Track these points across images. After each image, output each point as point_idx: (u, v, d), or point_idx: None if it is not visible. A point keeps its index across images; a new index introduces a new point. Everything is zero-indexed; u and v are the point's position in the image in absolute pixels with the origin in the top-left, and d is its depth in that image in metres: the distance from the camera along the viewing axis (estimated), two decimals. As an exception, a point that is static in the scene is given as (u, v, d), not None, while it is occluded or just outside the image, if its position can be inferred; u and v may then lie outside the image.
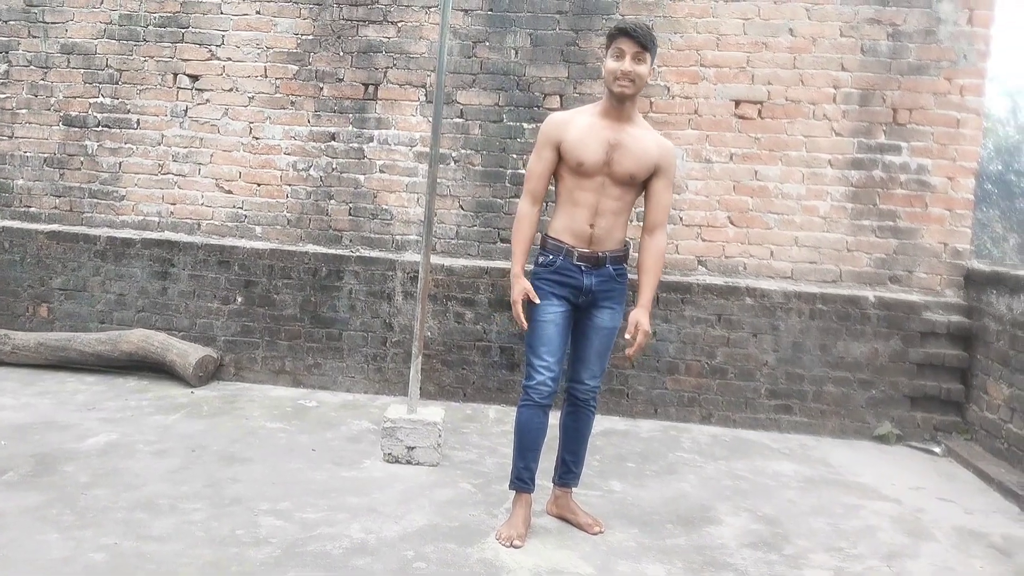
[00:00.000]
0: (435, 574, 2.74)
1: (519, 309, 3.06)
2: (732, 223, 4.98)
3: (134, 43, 5.36)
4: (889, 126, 4.86)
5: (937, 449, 4.55)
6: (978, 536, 3.39)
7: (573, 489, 3.32)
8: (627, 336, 3.04)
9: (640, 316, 3.05)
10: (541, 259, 3.11)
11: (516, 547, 2.98)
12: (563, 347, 3.09)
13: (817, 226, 4.93)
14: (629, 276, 3.22)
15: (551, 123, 3.08)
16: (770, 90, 4.92)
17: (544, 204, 3.36)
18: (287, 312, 5.10)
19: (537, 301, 3.05)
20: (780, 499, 3.68)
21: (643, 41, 2.91)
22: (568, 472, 3.27)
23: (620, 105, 2.99)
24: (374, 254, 5.11)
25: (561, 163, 3.06)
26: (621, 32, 2.94)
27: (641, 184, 3.08)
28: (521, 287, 3.06)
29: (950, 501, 3.79)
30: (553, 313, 3.05)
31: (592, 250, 3.05)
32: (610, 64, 2.94)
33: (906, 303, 4.73)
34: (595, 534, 3.13)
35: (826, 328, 4.76)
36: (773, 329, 4.79)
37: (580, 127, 3.02)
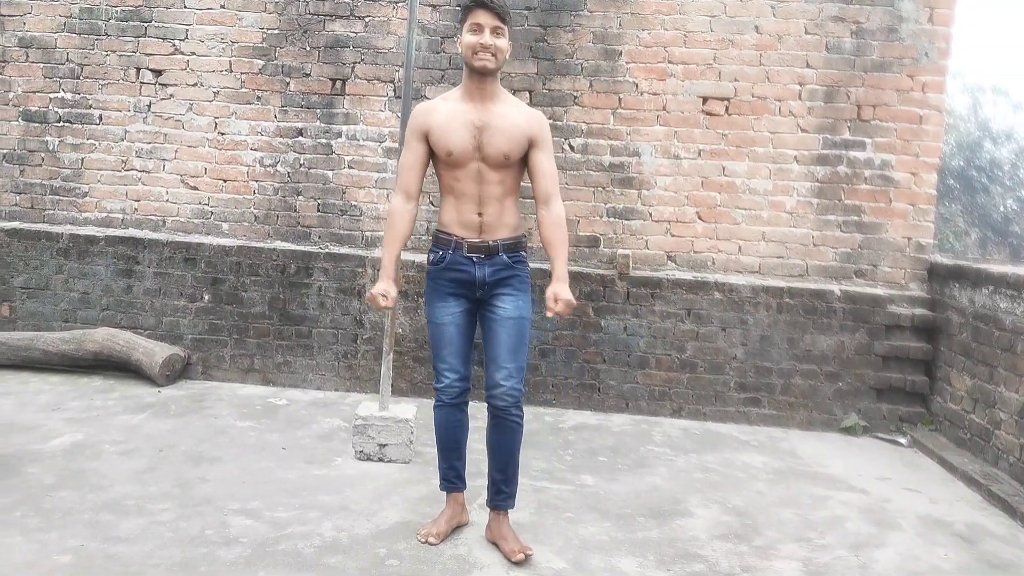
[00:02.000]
0: (408, 571, 2.73)
1: (373, 299, 2.88)
2: (700, 219, 5.03)
3: (95, 37, 5.26)
4: (853, 122, 4.93)
5: (903, 440, 4.63)
6: (943, 525, 3.46)
7: (510, 512, 3.01)
8: (548, 313, 2.83)
9: (557, 288, 2.83)
10: (431, 256, 2.93)
11: (431, 544, 2.91)
12: (468, 346, 2.97)
13: (784, 221, 4.99)
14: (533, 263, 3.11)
15: (416, 113, 2.93)
16: (737, 87, 4.97)
17: (427, 198, 3.09)
18: (255, 310, 5.04)
19: (384, 306, 2.90)
20: (750, 491, 3.72)
21: (501, 14, 2.78)
22: (498, 493, 2.96)
23: (482, 82, 2.82)
24: (344, 251, 5.07)
25: (435, 156, 2.91)
26: (478, 4, 2.77)
27: (521, 162, 2.90)
28: (383, 287, 2.88)
29: (915, 491, 3.86)
30: (451, 314, 2.91)
31: (483, 239, 2.88)
32: (468, 38, 2.78)
33: (871, 296, 4.80)
34: (516, 562, 2.80)
35: (793, 322, 4.82)
36: (741, 323, 4.85)
37: (444, 114, 2.86)
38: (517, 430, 2.92)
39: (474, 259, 2.87)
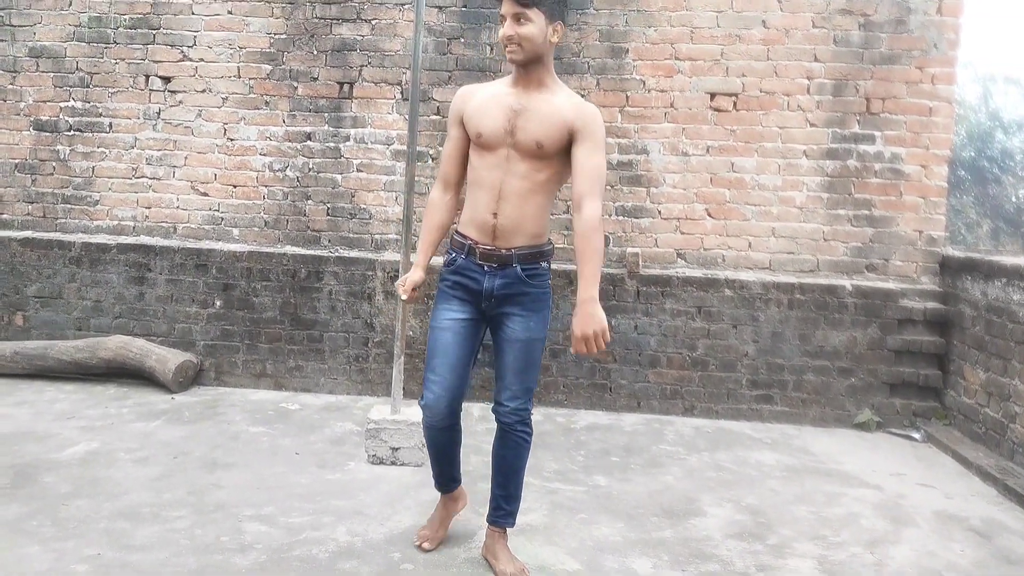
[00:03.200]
0: (423, 575, 2.73)
1: (398, 287, 2.84)
2: (710, 215, 5.01)
3: (104, 45, 5.29)
4: (863, 116, 4.91)
5: (916, 435, 4.60)
6: (958, 520, 3.44)
7: (508, 530, 2.88)
8: (572, 351, 2.61)
9: (574, 319, 2.53)
10: (445, 257, 2.77)
11: (424, 549, 2.87)
12: (464, 359, 2.70)
13: (794, 216, 4.97)
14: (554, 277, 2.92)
15: (456, 97, 2.77)
16: (744, 82, 4.95)
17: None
18: (267, 315, 5.06)
19: (404, 298, 2.80)
20: (763, 489, 3.71)
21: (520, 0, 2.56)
22: (497, 509, 2.83)
23: (525, 71, 2.62)
24: (353, 254, 5.09)
25: (469, 142, 2.71)
26: None
27: (559, 158, 2.62)
28: (416, 277, 2.80)
29: (930, 486, 3.84)
30: (451, 320, 2.69)
31: (496, 246, 2.63)
32: (500, 33, 2.63)
33: (883, 291, 4.78)
34: None
35: (805, 318, 4.80)
36: (753, 320, 4.83)
37: (484, 97, 2.68)
38: (523, 445, 2.78)
39: (485, 268, 2.65)
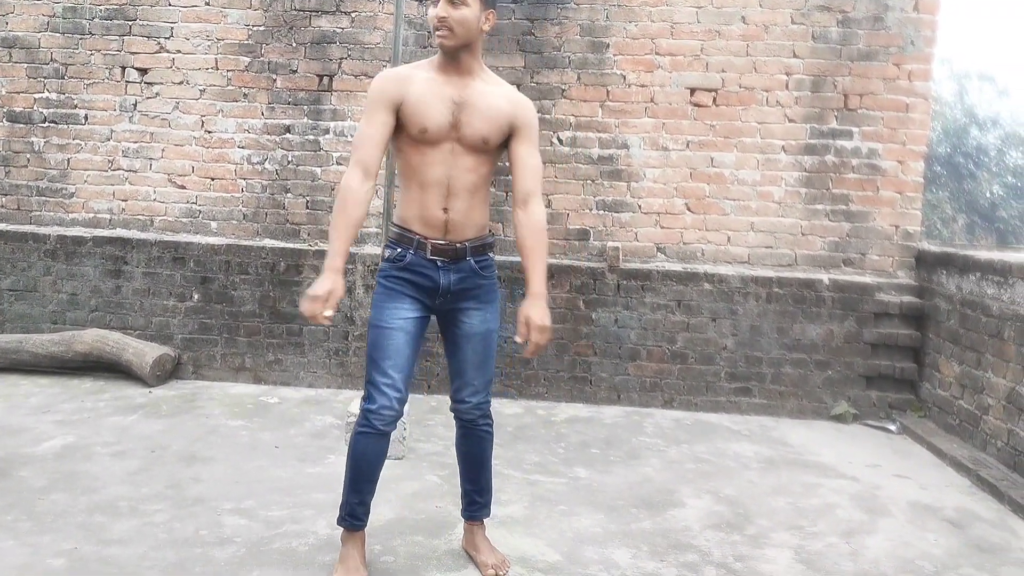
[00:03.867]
0: (403, 567, 2.73)
1: (314, 307, 2.41)
2: (689, 210, 5.04)
3: (79, 36, 5.22)
4: (840, 111, 4.95)
5: (892, 427, 4.66)
6: (933, 510, 3.49)
7: (485, 521, 2.85)
8: (518, 339, 2.52)
9: (530, 310, 2.50)
10: (388, 253, 2.58)
11: None
12: (413, 360, 2.58)
13: (772, 211, 5.01)
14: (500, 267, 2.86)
15: (387, 79, 2.52)
16: (724, 78, 4.97)
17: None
18: (245, 308, 5.03)
19: (326, 316, 2.43)
20: (741, 480, 3.74)
21: None
22: (472, 504, 2.81)
23: (454, 58, 2.49)
24: (333, 247, 5.05)
25: (401, 132, 2.51)
26: None
27: (495, 152, 2.58)
28: (330, 285, 2.42)
29: (905, 477, 3.89)
30: (403, 319, 2.52)
31: (449, 240, 2.54)
32: (429, 13, 2.47)
33: (860, 285, 4.83)
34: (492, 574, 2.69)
35: (783, 311, 4.84)
36: (731, 313, 4.86)
37: (421, 87, 2.48)
38: (487, 438, 2.75)
39: (438, 263, 2.54)
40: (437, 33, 2.45)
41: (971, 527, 3.33)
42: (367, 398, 2.54)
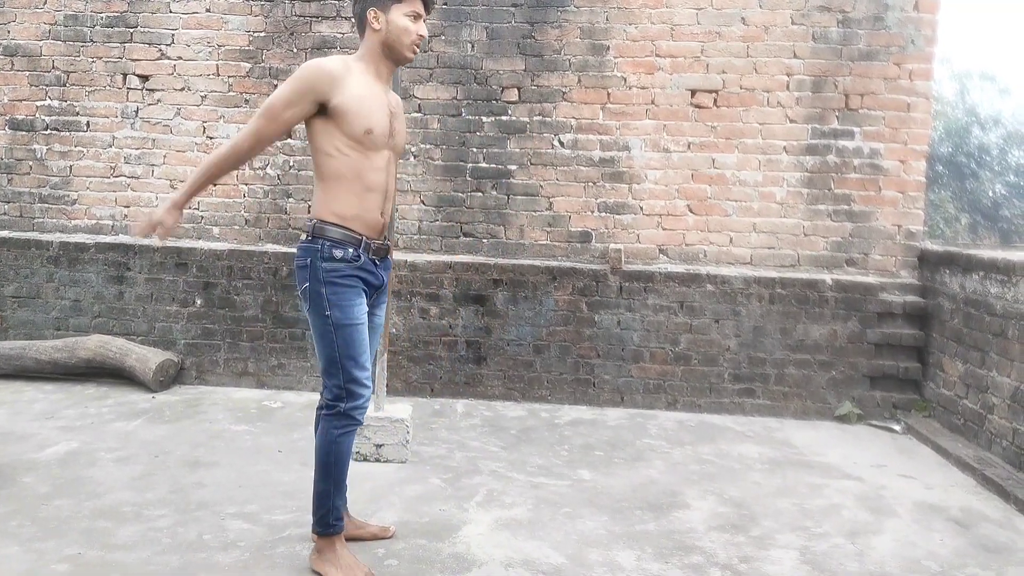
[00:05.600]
0: (407, 571, 2.73)
1: (145, 231, 2.60)
2: (691, 211, 5.03)
3: (81, 44, 5.24)
4: (841, 112, 4.95)
5: (897, 427, 4.65)
6: (938, 510, 3.48)
7: None
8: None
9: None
10: (338, 252, 2.54)
11: None
12: None
13: (774, 212, 5.00)
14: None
15: (324, 70, 2.48)
16: (725, 79, 4.97)
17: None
18: (248, 313, 5.03)
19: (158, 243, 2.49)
20: (746, 481, 3.73)
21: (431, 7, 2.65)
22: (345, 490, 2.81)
23: (391, 72, 2.66)
24: (335, 252, 5.06)
25: (335, 131, 2.50)
26: None
27: None
28: (171, 219, 2.60)
29: (910, 477, 3.88)
30: (364, 315, 2.61)
31: (383, 241, 2.67)
32: (407, 24, 2.56)
33: (863, 285, 4.82)
34: (390, 537, 2.88)
35: (786, 312, 4.84)
36: (734, 314, 4.86)
37: (360, 84, 2.52)
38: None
39: (376, 262, 2.65)
40: (415, 47, 2.60)
41: (977, 527, 3.31)
42: (348, 396, 2.58)
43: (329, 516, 2.64)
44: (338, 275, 2.55)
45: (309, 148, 2.63)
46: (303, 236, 2.63)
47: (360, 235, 2.58)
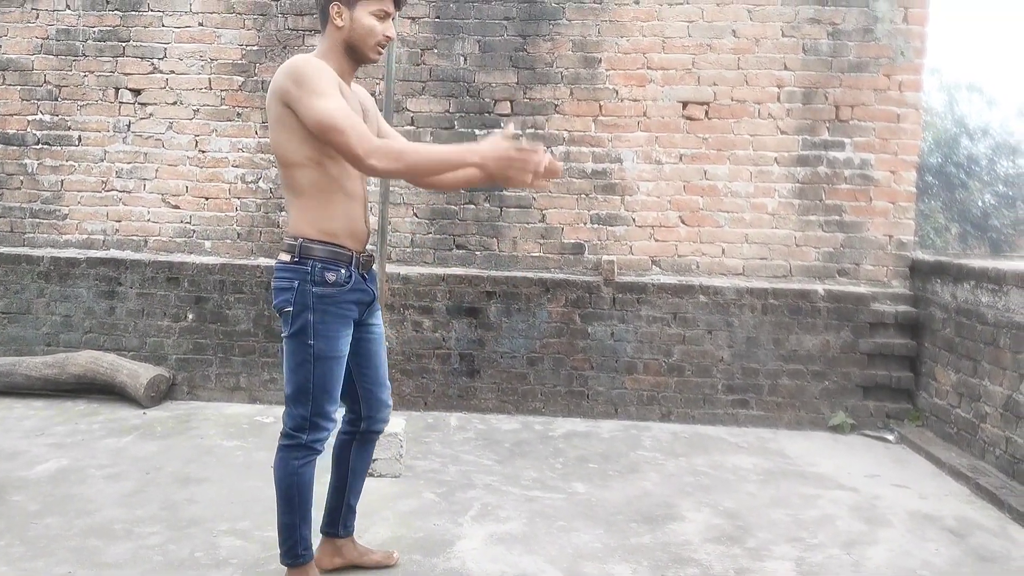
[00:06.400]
0: (401, 586, 2.71)
1: (537, 158, 2.16)
2: (684, 223, 5.04)
3: (73, 58, 5.23)
4: (832, 123, 4.97)
5: (890, 436, 4.65)
6: (933, 520, 3.48)
7: None
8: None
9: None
10: (331, 276, 2.37)
11: None
12: None
13: (766, 223, 5.02)
14: None
15: (326, 69, 2.30)
16: (716, 91, 5.00)
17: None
18: (240, 327, 5.01)
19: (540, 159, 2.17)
20: (740, 493, 3.72)
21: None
22: (352, 514, 2.78)
23: (354, 73, 2.49)
24: (328, 265, 5.05)
25: (308, 137, 2.30)
26: None
27: None
28: (505, 144, 2.18)
29: (904, 487, 3.88)
30: (347, 347, 2.47)
31: (369, 251, 2.55)
32: (373, 24, 2.38)
33: (855, 295, 4.83)
34: (394, 564, 2.79)
35: (778, 322, 4.84)
36: (727, 325, 4.86)
37: (343, 90, 2.36)
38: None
39: (365, 276, 2.50)
40: (381, 48, 2.42)
41: (971, 536, 3.31)
42: (312, 428, 2.42)
43: (297, 547, 2.50)
44: (331, 302, 2.39)
45: (276, 163, 2.47)
46: (283, 256, 2.42)
47: (350, 251, 2.43)
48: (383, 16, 2.39)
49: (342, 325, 2.43)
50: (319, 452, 2.49)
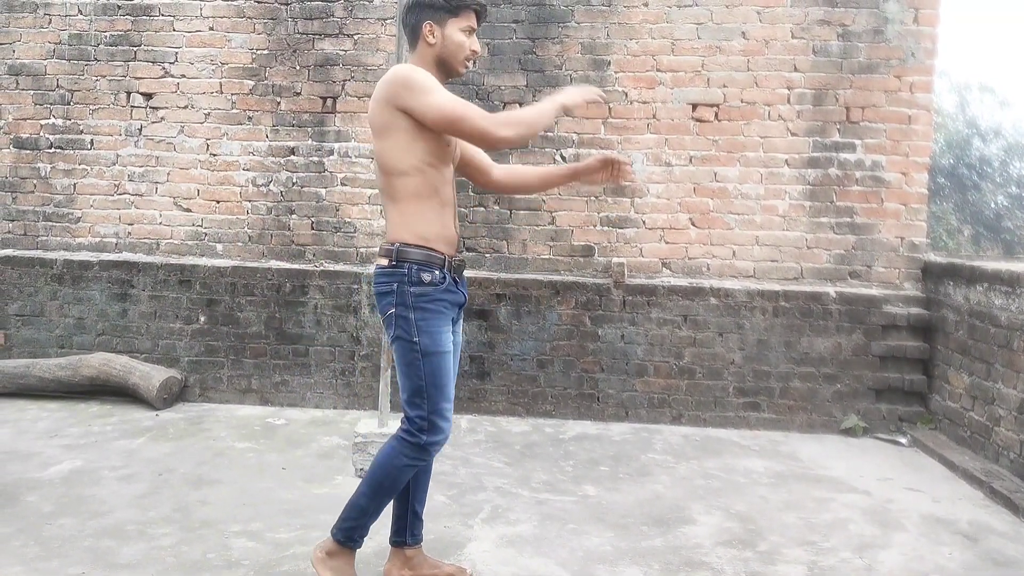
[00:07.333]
0: (412, 588, 2.71)
1: (587, 93, 2.56)
2: (694, 225, 5.04)
3: (85, 63, 5.27)
4: (843, 124, 4.96)
5: (903, 440, 4.63)
6: (946, 523, 3.45)
7: None
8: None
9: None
10: (427, 276, 2.46)
11: None
12: None
13: (777, 225, 5.00)
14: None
15: (428, 72, 2.49)
16: (726, 93, 4.99)
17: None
18: (252, 330, 5.03)
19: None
20: (752, 496, 3.71)
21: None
22: (419, 522, 2.75)
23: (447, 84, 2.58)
24: (338, 268, 5.07)
25: (414, 146, 2.43)
26: (480, 7, 2.56)
27: None
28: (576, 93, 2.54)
29: (917, 490, 3.86)
30: (451, 342, 2.55)
31: (461, 257, 2.64)
32: (463, 40, 2.53)
33: (866, 297, 4.81)
34: None
35: (790, 325, 4.83)
36: (738, 328, 4.85)
37: None
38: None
39: (457, 280, 2.60)
40: (468, 63, 2.58)
41: (986, 540, 3.29)
42: (431, 429, 2.47)
43: (356, 532, 2.56)
44: (427, 300, 2.47)
45: (376, 171, 2.56)
46: (381, 261, 2.52)
47: (443, 255, 2.51)
48: (469, 32, 2.54)
49: (442, 321, 2.51)
50: (430, 459, 2.56)
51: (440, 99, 2.39)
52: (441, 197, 2.52)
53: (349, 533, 2.56)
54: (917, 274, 4.94)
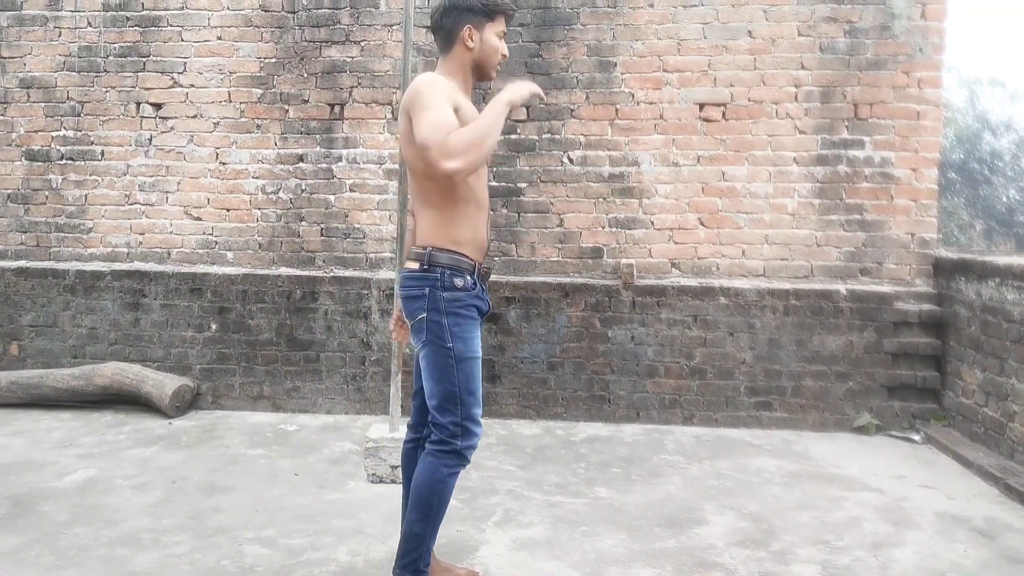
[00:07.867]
0: (425, 592, 2.71)
1: (531, 87, 2.48)
2: (703, 224, 5.03)
3: (95, 74, 5.31)
4: (851, 121, 4.94)
5: (916, 437, 4.60)
6: (961, 521, 3.43)
7: None
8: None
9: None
10: (459, 281, 2.44)
11: None
12: None
13: (786, 223, 4.98)
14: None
15: (440, 83, 2.41)
16: (733, 92, 4.98)
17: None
18: (263, 337, 5.06)
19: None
20: (765, 496, 3.70)
21: None
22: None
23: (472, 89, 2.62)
24: (348, 273, 5.09)
25: None
26: (511, 11, 2.59)
27: None
28: (523, 87, 2.47)
29: (932, 488, 3.84)
30: (480, 348, 2.54)
31: (488, 264, 2.64)
32: (498, 44, 2.56)
33: (878, 294, 4.79)
34: None
35: (801, 323, 4.81)
36: (749, 327, 4.83)
37: (467, 102, 2.49)
38: None
39: (484, 287, 2.59)
40: (497, 67, 2.59)
41: (1001, 537, 3.27)
42: (464, 434, 2.44)
43: (420, 562, 2.46)
44: (460, 305, 2.45)
45: (410, 176, 2.53)
46: (411, 265, 2.50)
47: (473, 261, 2.49)
48: (502, 36, 2.58)
49: (474, 326, 2.50)
50: (468, 462, 2.51)
51: (428, 118, 2.26)
52: (478, 200, 2.49)
53: (415, 565, 2.47)
54: (928, 270, 4.91)
